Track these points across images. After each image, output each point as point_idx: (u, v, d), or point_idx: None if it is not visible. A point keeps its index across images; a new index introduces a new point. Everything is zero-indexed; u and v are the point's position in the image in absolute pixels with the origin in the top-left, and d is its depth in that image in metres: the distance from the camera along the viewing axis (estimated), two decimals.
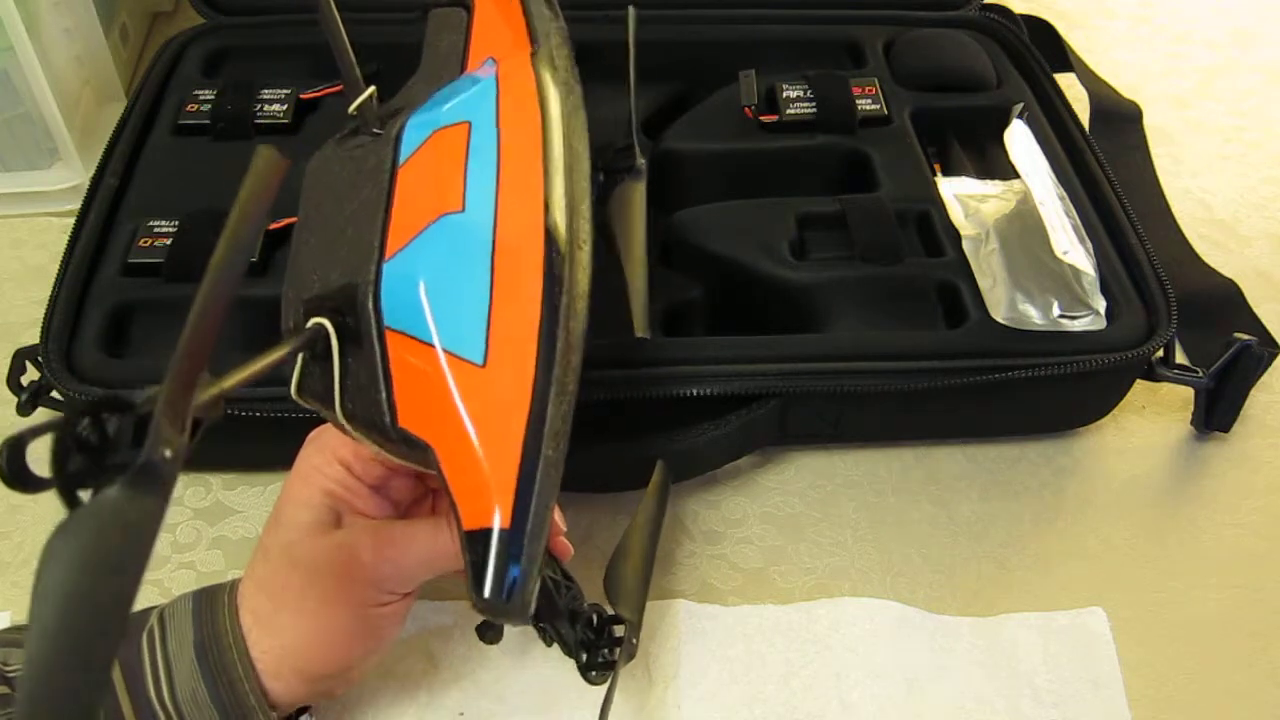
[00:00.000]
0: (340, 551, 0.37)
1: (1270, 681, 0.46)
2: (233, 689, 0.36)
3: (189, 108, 0.61)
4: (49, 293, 0.51)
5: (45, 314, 0.50)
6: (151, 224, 0.54)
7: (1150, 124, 0.72)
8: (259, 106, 0.61)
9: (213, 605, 0.38)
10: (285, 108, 0.61)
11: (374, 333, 0.35)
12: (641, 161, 0.56)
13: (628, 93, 0.56)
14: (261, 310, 0.47)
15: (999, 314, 0.51)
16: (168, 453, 0.22)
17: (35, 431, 0.22)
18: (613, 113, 0.56)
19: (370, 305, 0.35)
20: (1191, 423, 0.55)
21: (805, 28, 0.69)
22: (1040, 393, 0.51)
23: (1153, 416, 0.56)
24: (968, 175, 0.59)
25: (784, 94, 0.62)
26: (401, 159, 0.39)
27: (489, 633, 0.38)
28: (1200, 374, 0.52)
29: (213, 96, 0.61)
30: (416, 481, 0.42)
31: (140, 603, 0.40)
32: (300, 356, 0.36)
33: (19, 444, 0.22)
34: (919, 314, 0.52)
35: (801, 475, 0.53)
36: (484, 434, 0.33)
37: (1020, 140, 0.61)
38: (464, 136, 0.39)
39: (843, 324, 0.52)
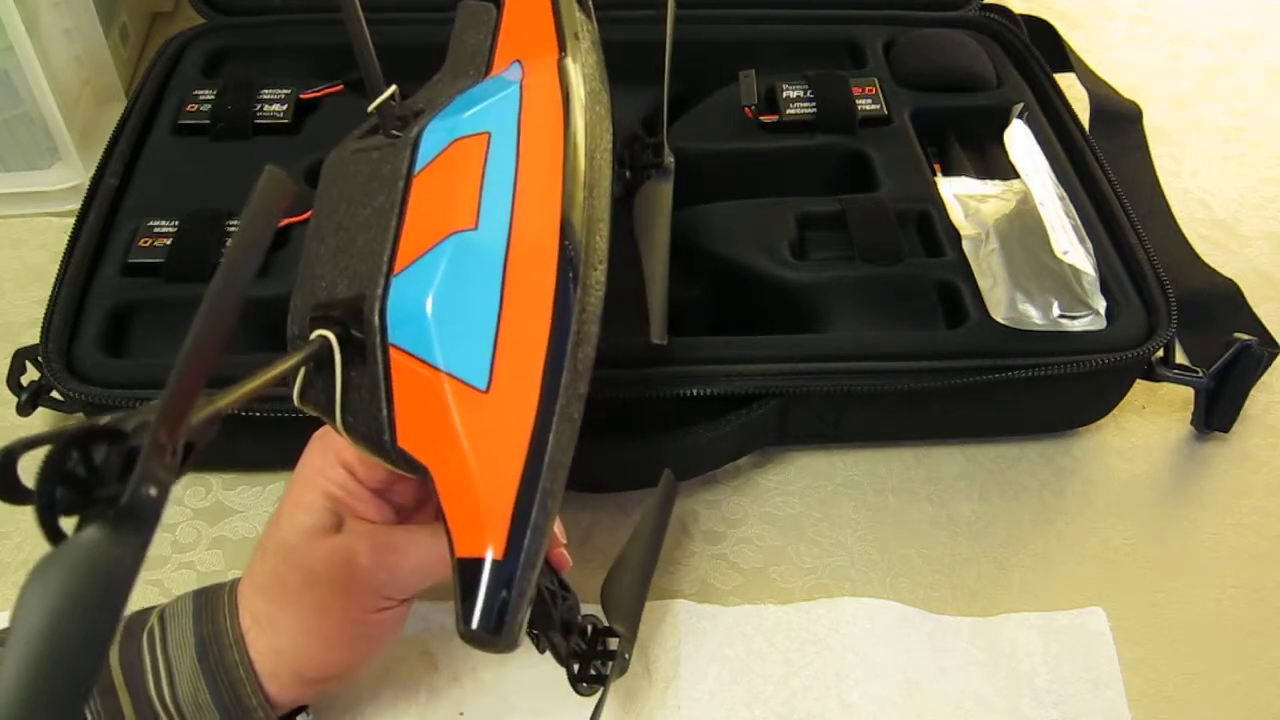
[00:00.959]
0: (338, 556, 0.37)
1: (1270, 681, 0.46)
2: (234, 690, 0.36)
3: (189, 108, 0.61)
4: (49, 293, 0.51)
5: (45, 314, 0.50)
6: (151, 224, 0.54)
7: (1150, 124, 0.72)
8: (259, 106, 0.61)
9: (213, 605, 0.38)
10: (285, 108, 0.61)
11: (378, 349, 0.34)
12: (670, 159, 0.54)
13: (660, 84, 0.55)
14: (261, 309, 0.47)
15: (999, 314, 0.51)
16: (153, 491, 0.22)
17: (26, 445, 0.22)
18: (621, 114, 0.55)
19: (375, 321, 0.34)
20: (1191, 423, 0.55)
21: (805, 28, 0.69)
22: (1040, 393, 0.51)
23: (1153, 416, 0.56)
24: (968, 175, 0.59)
25: (784, 94, 0.62)
26: (418, 167, 0.38)
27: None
28: (1200, 374, 0.52)
29: (213, 96, 0.61)
30: (419, 486, 0.42)
31: (140, 602, 0.40)
32: None
33: (10, 457, 0.22)
34: (919, 314, 0.52)
35: (801, 475, 0.53)
36: (482, 462, 0.32)
37: (1020, 140, 0.61)
38: (483, 148, 0.38)
39: (843, 324, 0.52)
